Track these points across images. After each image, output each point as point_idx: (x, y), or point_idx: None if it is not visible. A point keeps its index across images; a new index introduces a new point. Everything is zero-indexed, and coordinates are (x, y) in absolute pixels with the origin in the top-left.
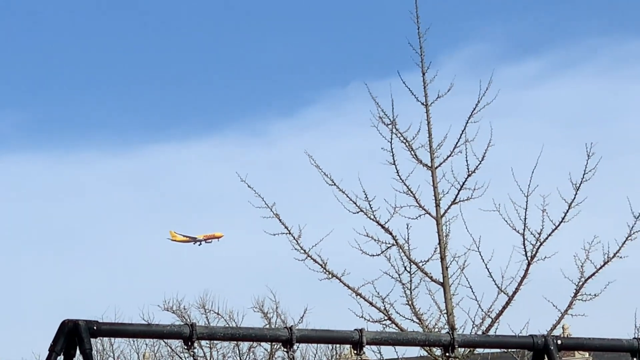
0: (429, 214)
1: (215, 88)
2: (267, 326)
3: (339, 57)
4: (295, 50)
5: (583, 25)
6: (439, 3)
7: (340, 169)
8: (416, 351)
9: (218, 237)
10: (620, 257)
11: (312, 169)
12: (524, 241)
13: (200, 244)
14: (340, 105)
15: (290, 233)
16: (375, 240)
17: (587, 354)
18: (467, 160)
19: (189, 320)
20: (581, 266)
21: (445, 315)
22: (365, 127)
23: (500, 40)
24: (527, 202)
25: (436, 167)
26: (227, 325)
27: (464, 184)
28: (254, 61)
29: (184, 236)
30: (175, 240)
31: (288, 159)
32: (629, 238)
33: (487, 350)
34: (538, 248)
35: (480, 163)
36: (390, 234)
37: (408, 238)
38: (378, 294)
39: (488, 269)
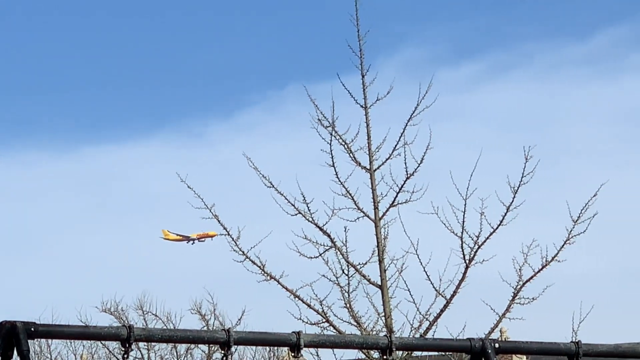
0: (368, 216)
1: (152, 90)
2: (205, 328)
3: (277, 59)
4: (233, 52)
5: (520, 29)
6: (379, 5)
7: (279, 171)
8: (354, 354)
9: (212, 236)
10: (559, 261)
11: (250, 171)
12: (462, 244)
13: (194, 242)
14: (278, 107)
15: (229, 234)
16: (313, 242)
17: (524, 358)
18: (405, 163)
19: (126, 321)
20: (519, 270)
21: (383, 318)
22: (305, 129)
23: (438, 43)
24: (465, 205)
25: (375, 170)
26: (165, 327)
27: (402, 186)
28: (191, 62)
29: (177, 235)
30: (168, 239)
31: (227, 160)
32: (568, 242)
33: (425, 353)
34: (476, 251)
35: (418, 166)
36: (329, 236)
37: (346, 241)
38: (316, 296)
39: (426, 272)
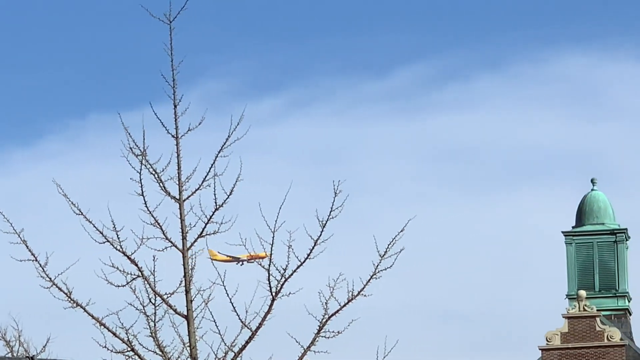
0: (175, 246)
1: None
2: (9, 355)
3: (78, 86)
4: (30, 79)
5: (319, 65)
6: (192, 37)
7: (89, 199)
8: None
9: (262, 257)
10: (365, 295)
11: (58, 199)
12: (269, 276)
13: (243, 264)
14: (83, 135)
15: (36, 260)
16: (120, 271)
17: None
18: (215, 194)
19: None
20: (325, 303)
21: (188, 348)
22: (114, 157)
23: (237, 77)
24: (273, 237)
25: (184, 200)
26: None
27: (211, 217)
28: None
29: (226, 256)
30: (215, 260)
31: (31, 188)
32: (374, 276)
33: None
34: (283, 284)
35: (228, 197)
36: (136, 265)
37: (154, 270)
38: (122, 324)
39: (232, 303)
